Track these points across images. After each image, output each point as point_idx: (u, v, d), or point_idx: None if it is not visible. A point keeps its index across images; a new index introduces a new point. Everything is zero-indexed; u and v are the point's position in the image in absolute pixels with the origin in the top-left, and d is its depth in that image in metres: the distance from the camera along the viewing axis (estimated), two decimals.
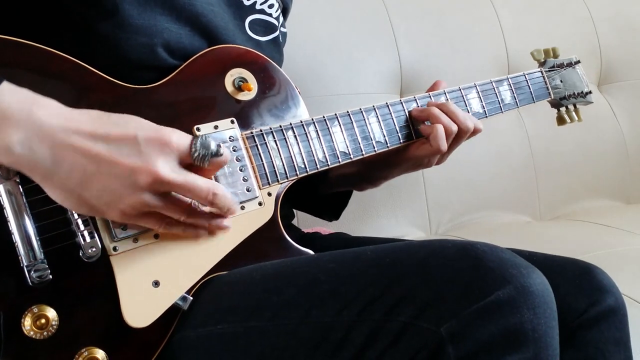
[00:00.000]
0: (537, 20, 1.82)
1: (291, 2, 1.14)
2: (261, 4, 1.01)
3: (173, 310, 0.78)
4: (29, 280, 0.70)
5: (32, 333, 0.70)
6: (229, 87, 0.90)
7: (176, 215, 0.73)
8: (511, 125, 1.73)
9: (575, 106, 1.27)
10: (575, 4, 1.90)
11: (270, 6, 1.02)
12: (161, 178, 0.67)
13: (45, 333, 0.71)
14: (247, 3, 1.00)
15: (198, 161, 0.70)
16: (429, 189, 1.62)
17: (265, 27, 1.02)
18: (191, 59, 0.89)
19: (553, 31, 1.81)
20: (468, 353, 0.64)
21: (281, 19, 1.07)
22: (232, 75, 0.91)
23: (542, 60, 1.24)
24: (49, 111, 0.66)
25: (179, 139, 0.70)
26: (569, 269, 0.86)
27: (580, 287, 0.86)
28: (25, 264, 0.70)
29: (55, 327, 0.72)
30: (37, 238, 0.71)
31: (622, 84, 1.88)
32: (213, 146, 0.70)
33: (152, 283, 0.77)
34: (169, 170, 0.68)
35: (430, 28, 1.70)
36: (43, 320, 0.71)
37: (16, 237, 0.70)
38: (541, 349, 0.66)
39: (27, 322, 0.70)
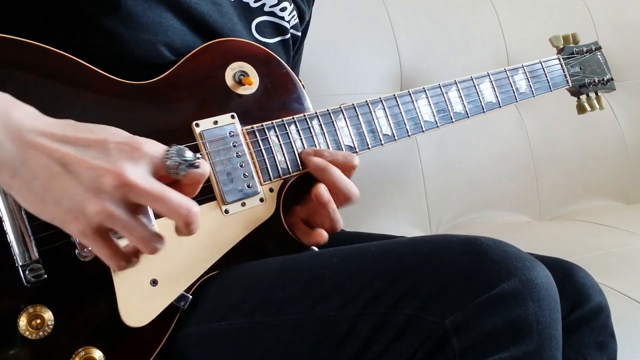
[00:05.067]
0: (537, 20, 1.82)
1: (307, 8, 1.11)
2: (271, 7, 1.00)
3: (172, 308, 0.77)
4: (24, 280, 0.69)
5: (27, 333, 0.70)
6: (229, 81, 0.89)
7: (140, 239, 0.63)
8: (511, 125, 1.73)
9: (596, 94, 1.22)
10: (575, 4, 1.89)
11: (283, 9, 1.01)
12: (127, 180, 0.61)
13: (41, 333, 0.70)
14: (254, 5, 0.98)
15: (172, 170, 0.64)
16: (429, 189, 1.61)
17: (273, 29, 1.01)
18: (190, 53, 0.88)
19: (553, 31, 1.80)
20: (472, 344, 0.65)
21: (294, 21, 1.04)
22: (233, 69, 0.89)
23: (561, 46, 1.20)
24: (23, 113, 0.63)
25: (152, 146, 0.65)
26: (553, 270, 0.86)
27: (563, 290, 0.85)
28: (20, 263, 0.69)
29: (51, 327, 0.71)
30: (32, 237, 0.70)
31: (622, 84, 1.87)
32: (189, 155, 0.64)
33: (149, 282, 0.76)
34: (137, 174, 0.62)
35: (430, 28, 1.69)
36: (39, 320, 0.70)
37: (11, 236, 0.69)
38: (545, 340, 0.67)
39: (22, 322, 0.70)
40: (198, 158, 0.65)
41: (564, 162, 1.77)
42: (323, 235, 0.87)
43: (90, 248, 0.65)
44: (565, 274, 0.89)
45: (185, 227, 0.64)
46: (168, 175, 0.64)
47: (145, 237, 0.63)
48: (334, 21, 1.60)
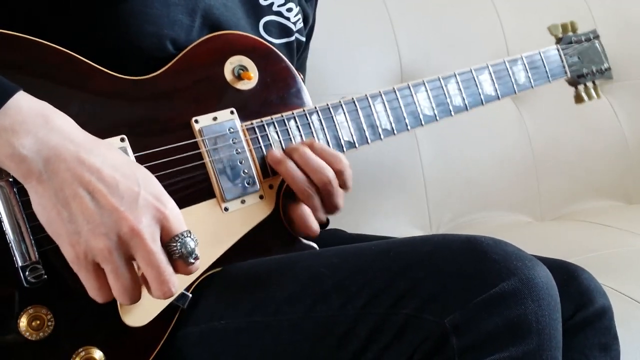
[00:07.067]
0: (537, 19, 1.81)
1: (311, 11, 1.11)
2: (279, 6, 0.99)
3: (172, 308, 0.77)
4: (24, 281, 0.69)
5: (27, 334, 0.70)
6: (229, 76, 0.88)
7: (120, 288, 0.66)
8: (512, 125, 1.73)
9: (594, 83, 1.22)
10: (575, 4, 1.89)
11: (289, 10, 1.00)
12: (139, 233, 0.63)
13: (41, 334, 0.70)
14: (263, 3, 0.98)
15: (167, 248, 0.66)
16: (429, 189, 1.61)
17: (280, 30, 1.00)
18: (189, 47, 0.86)
19: None
20: (472, 344, 0.65)
21: (299, 25, 1.04)
22: (232, 64, 0.88)
23: (560, 35, 1.19)
24: (62, 123, 0.66)
25: (175, 218, 0.67)
26: (556, 272, 0.87)
27: (567, 292, 0.86)
28: (20, 264, 0.69)
29: (51, 327, 0.71)
30: (32, 238, 0.69)
31: (623, 84, 1.87)
32: (187, 250, 0.66)
33: None
34: (150, 233, 0.64)
35: (431, 27, 1.69)
36: (39, 321, 0.70)
37: (10, 237, 0.69)
38: (544, 340, 0.66)
39: (22, 323, 0.70)
40: (196, 258, 0.67)
41: (565, 163, 1.76)
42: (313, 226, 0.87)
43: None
44: (570, 276, 0.89)
45: (156, 297, 0.66)
46: (163, 247, 0.66)
47: (127, 288, 0.65)
48: (333, 20, 1.59)
